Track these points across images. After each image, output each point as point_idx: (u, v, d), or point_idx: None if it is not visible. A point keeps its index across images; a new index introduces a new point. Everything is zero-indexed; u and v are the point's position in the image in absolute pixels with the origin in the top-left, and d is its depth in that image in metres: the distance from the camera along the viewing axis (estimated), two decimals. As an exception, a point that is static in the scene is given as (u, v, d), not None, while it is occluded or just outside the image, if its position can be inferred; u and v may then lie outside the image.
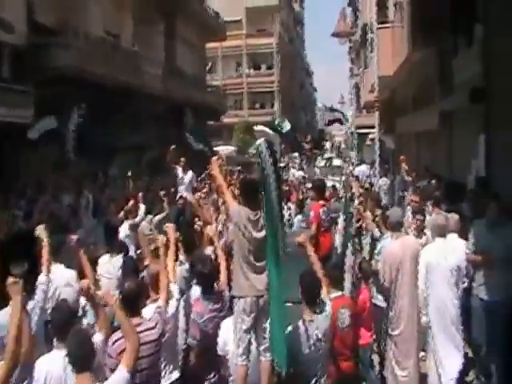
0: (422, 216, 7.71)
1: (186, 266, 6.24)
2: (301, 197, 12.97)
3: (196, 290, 5.58)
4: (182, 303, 5.39)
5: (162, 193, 10.32)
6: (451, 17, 11.77)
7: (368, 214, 8.36)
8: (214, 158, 5.59)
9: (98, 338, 4.34)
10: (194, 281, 5.70)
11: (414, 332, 6.21)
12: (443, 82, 13.98)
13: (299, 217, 10.48)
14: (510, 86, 8.72)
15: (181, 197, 11.75)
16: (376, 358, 6.77)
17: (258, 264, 4.70)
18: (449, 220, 6.83)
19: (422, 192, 10.10)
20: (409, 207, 8.96)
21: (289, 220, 11.10)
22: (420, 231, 7.55)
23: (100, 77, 17.65)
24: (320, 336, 4.55)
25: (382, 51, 18.14)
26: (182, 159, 12.45)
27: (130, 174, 11.44)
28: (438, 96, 14.88)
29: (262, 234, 4.71)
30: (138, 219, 9.37)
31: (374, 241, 7.81)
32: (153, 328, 4.44)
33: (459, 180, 11.34)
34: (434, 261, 6.37)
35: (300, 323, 4.61)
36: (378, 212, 8.23)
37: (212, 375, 5.15)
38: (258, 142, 4.56)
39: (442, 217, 6.90)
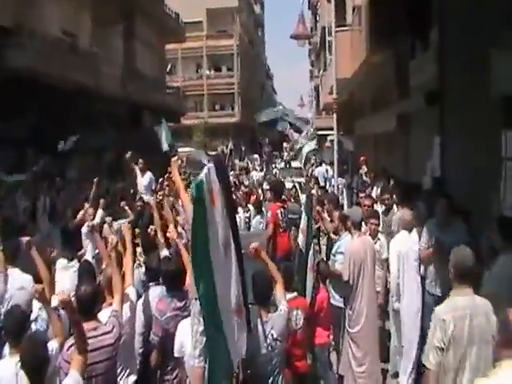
0: (376, 220, 7.71)
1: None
2: (261, 198, 13.00)
3: (155, 291, 5.58)
4: (139, 306, 5.35)
5: (123, 203, 10.24)
6: (408, 21, 11.99)
7: (325, 216, 8.47)
8: (175, 159, 5.56)
9: (53, 344, 4.28)
10: (152, 283, 5.71)
11: (373, 329, 6.37)
12: (400, 85, 14.22)
13: (258, 217, 10.54)
14: (463, 89, 8.93)
15: (140, 199, 11.64)
16: (334, 357, 6.87)
17: None
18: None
19: (381, 193, 10.24)
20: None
21: (248, 221, 11.12)
22: (374, 236, 7.45)
23: (57, 78, 17.34)
24: (276, 336, 4.57)
25: (341, 54, 18.31)
26: (140, 161, 12.33)
27: (92, 177, 11.30)
28: (396, 98, 15.13)
29: None
30: (95, 221, 9.25)
31: (331, 242, 7.92)
32: (109, 332, 4.40)
33: (416, 181, 11.56)
34: (403, 249, 6.80)
35: (258, 323, 4.63)
36: (336, 214, 8.31)
37: (174, 375, 5.14)
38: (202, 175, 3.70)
39: (409, 212, 7.22)
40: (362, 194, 10.80)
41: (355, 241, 6.62)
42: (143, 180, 12.29)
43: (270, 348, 4.55)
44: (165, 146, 13.83)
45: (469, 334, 4.05)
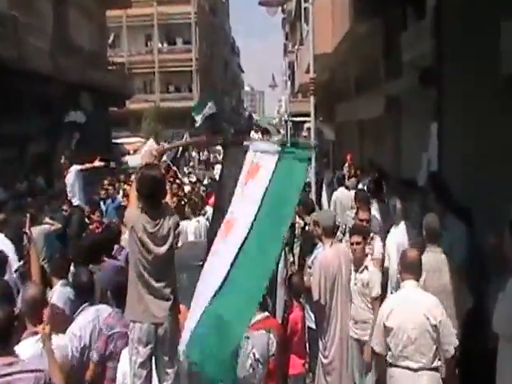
0: (359, 237, 6.96)
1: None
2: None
3: (88, 315, 5.48)
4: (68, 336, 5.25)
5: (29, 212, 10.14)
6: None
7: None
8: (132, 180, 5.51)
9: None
10: (85, 303, 5.64)
11: (345, 357, 6.35)
12: (390, 61, 14.27)
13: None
14: (465, 66, 8.94)
15: (68, 202, 11.50)
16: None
17: (157, 285, 4.65)
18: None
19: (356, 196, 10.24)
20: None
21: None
22: (360, 262, 6.84)
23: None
24: (258, 356, 4.56)
25: (320, 24, 18.27)
26: (63, 158, 12.28)
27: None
28: (385, 78, 15.19)
29: (164, 248, 4.66)
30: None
31: (307, 250, 7.85)
32: (31, 371, 4.22)
33: (408, 175, 11.61)
34: (402, 240, 7.51)
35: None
36: (308, 218, 8.24)
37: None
38: None
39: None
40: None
41: (327, 251, 6.59)
42: (68, 178, 12.14)
43: (251, 370, 4.54)
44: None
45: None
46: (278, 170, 4.42)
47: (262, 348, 4.68)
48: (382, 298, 6.75)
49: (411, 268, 5.29)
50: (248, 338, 4.65)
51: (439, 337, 5.00)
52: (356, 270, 6.78)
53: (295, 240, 9.88)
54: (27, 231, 7.31)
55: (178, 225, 4.97)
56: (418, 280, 5.30)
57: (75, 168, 12.36)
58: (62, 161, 12.24)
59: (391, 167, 14.02)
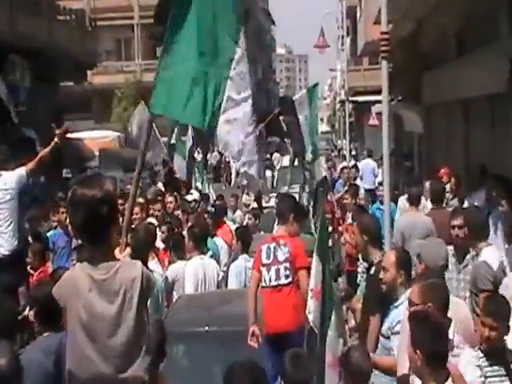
0: None
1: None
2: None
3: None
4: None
5: None
6: None
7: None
8: None
9: None
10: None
11: None
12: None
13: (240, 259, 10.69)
14: None
15: None
16: None
17: (108, 373, 4.59)
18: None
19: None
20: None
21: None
22: None
23: None
24: None
25: None
26: None
27: None
28: (507, 31, 15.24)
29: (115, 306, 4.61)
30: None
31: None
32: None
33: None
34: None
35: None
36: (378, 255, 8.23)
37: None
38: None
39: None
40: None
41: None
42: None
43: None
44: None
45: None
46: None
47: None
48: None
49: None
50: None
51: None
52: None
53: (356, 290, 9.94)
54: None
55: (143, 275, 4.71)
56: None
57: (17, 174, 11.64)
58: None
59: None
